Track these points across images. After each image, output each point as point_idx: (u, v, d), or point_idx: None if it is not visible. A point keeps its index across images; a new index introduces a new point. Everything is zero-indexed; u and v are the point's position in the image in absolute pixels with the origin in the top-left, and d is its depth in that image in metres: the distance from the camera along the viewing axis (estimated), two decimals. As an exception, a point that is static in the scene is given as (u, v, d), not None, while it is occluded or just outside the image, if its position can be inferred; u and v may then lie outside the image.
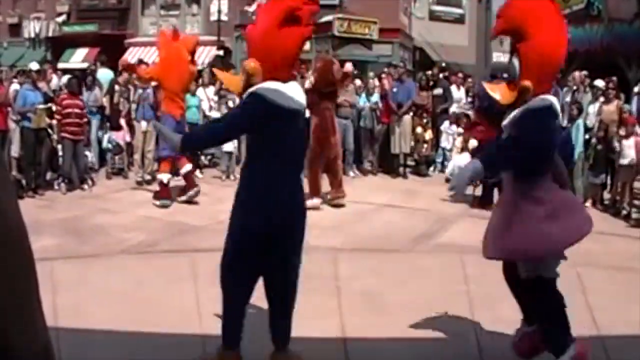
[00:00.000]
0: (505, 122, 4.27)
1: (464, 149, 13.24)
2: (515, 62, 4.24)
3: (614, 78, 11.89)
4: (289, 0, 4.06)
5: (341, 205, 10.42)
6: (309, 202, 10.16)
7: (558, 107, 4.28)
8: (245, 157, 4.43)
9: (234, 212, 4.18)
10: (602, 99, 11.59)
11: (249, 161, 4.27)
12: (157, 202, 10.11)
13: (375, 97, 14.12)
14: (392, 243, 8.26)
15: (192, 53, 10.53)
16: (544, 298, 4.34)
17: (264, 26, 4.09)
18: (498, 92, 4.34)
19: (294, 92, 4.13)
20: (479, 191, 10.94)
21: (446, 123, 14.22)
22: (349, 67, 11.22)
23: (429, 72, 15.81)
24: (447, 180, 12.53)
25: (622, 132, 10.29)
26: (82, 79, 12.98)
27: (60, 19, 32.00)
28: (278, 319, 4.36)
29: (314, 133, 10.36)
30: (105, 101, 13.36)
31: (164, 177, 10.20)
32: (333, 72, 10.37)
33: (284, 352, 4.37)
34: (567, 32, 4.27)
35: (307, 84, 10.29)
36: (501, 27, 4.37)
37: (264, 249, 4.12)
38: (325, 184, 10.56)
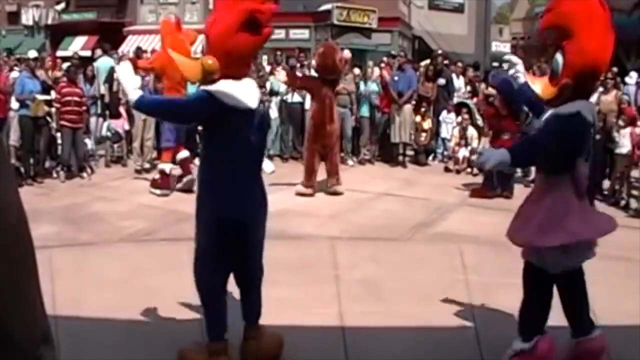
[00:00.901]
0: (542, 118, 4.29)
1: (462, 138, 13.24)
2: (559, 58, 4.20)
3: (614, 69, 11.86)
4: (248, 1, 4.07)
5: (339, 193, 10.44)
6: (300, 189, 10.26)
7: (590, 113, 4.23)
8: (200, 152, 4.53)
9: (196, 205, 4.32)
10: (600, 89, 11.57)
11: (202, 156, 4.47)
12: (157, 192, 10.12)
13: (374, 85, 14.08)
14: (391, 232, 8.27)
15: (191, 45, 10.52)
16: (533, 289, 4.38)
17: (222, 27, 4.11)
18: (539, 86, 4.34)
19: (247, 91, 4.19)
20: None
21: (444, 112, 14.18)
22: (347, 53, 11.21)
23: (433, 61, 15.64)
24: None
25: (620, 122, 10.29)
26: (79, 67, 12.96)
27: (59, 7, 31.91)
28: (248, 296, 4.45)
29: (312, 119, 10.42)
30: (104, 89, 13.34)
31: (166, 167, 10.19)
32: (335, 59, 10.36)
33: (255, 326, 4.44)
34: (613, 39, 4.24)
35: (312, 70, 10.37)
36: (550, 21, 4.33)
37: (223, 243, 4.19)
38: (323, 173, 10.58)
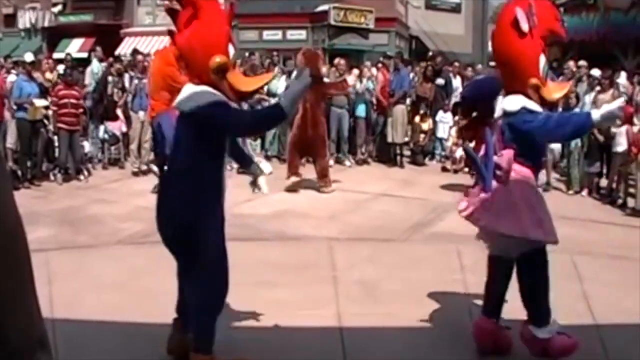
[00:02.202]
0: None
1: (459, 137, 13.24)
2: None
3: (611, 71, 11.92)
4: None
5: (329, 192, 10.56)
6: (286, 183, 10.36)
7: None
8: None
9: None
10: (597, 88, 11.59)
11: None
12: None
13: (369, 83, 14.07)
14: (389, 232, 8.27)
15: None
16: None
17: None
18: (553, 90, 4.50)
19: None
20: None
21: (440, 112, 14.18)
22: (340, 61, 11.31)
23: (431, 62, 15.62)
24: None
25: (617, 120, 10.28)
26: (74, 68, 13.01)
27: (55, 9, 31.86)
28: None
29: (295, 125, 10.54)
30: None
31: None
32: (316, 64, 10.44)
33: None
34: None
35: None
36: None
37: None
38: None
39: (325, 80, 11.80)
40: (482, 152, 4.38)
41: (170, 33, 4.24)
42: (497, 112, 4.44)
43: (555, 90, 4.63)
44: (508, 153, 4.25)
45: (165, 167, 4.83)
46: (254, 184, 4.68)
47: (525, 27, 4.24)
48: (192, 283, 4.19)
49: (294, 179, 10.50)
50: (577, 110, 11.06)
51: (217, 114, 3.94)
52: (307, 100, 10.39)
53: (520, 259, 4.44)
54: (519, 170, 4.32)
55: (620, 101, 4.14)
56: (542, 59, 4.43)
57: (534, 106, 4.29)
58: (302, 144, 10.55)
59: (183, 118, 4.13)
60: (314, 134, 10.53)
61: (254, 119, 4.38)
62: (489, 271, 4.65)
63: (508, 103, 4.38)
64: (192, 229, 4.04)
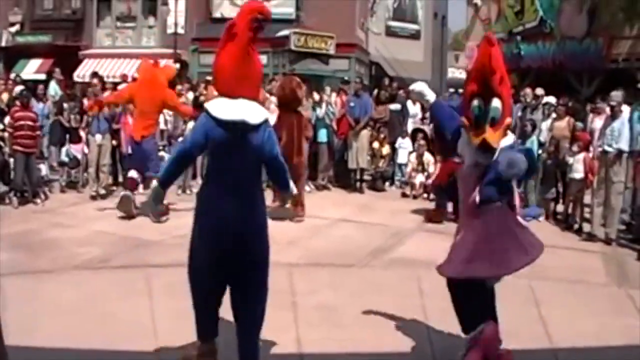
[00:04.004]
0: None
1: (419, 164, 13.36)
2: (498, 104, 4.44)
3: (567, 99, 12.12)
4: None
5: (300, 221, 10.46)
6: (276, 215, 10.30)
7: None
8: None
9: None
10: (553, 115, 11.80)
11: None
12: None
13: (331, 109, 14.13)
14: (348, 258, 8.27)
15: (169, 81, 10.82)
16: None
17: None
18: (485, 138, 4.45)
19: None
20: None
21: (399, 138, 14.31)
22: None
23: (388, 88, 15.76)
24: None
25: (575, 148, 10.47)
26: (34, 91, 12.91)
27: (13, 29, 31.46)
28: (242, 338, 4.46)
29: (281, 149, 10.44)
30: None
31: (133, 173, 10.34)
32: (293, 88, 10.50)
33: None
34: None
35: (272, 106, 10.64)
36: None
37: (215, 263, 4.30)
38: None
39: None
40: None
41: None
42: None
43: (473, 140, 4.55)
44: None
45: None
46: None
47: (467, 67, 4.38)
48: (257, 301, 4.54)
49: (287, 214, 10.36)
50: (534, 137, 11.27)
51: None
52: (291, 127, 10.40)
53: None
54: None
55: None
56: (474, 102, 4.44)
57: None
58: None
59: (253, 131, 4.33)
60: (297, 161, 10.47)
61: None
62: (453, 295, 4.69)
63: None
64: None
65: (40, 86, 13.95)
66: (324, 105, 14.04)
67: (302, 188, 10.88)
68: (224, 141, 4.24)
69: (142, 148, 10.20)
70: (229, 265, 4.31)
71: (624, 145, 9.54)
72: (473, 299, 4.54)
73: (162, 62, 11.27)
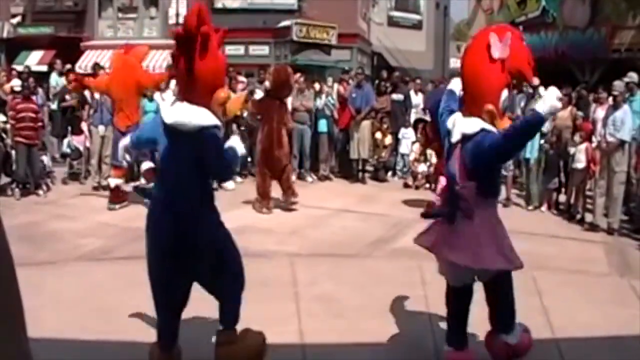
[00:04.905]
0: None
1: (421, 154, 13.35)
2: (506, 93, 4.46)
3: (576, 89, 12.08)
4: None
5: (294, 209, 10.49)
6: (256, 210, 10.30)
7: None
8: None
9: None
10: (556, 104, 11.76)
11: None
12: (116, 206, 10.25)
13: (329, 98, 14.11)
14: (350, 248, 8.28)
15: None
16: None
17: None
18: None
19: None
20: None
21: (402, 129, 14.29)
22: (299, 78, 11.37)
23: (389, 79, 15.72)
24: None
25: (577, 138, 10.46)
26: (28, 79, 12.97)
27: (15, 20, 31.44)
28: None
29: (260, 144, 10.47)
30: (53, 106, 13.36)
31: (112, 181, 10.45)
32: (288, 75, 10.55)
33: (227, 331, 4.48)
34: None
35: (261, 91, 10.65)
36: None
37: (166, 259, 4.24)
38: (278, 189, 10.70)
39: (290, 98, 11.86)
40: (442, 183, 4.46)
41: (173, 57, 4.41)
42: (456, 136, 4.40)
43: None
44: (470, 186, 4.28)
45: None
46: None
47: (496, 54, 4.25)
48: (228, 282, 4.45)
49: (266, 211, 10.31)
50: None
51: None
52: (273, 119, 10.39)
53: (486, 282, 4.49)
54: (481, 200, 4.34)
55: (554, 90, 4.21)
56: (504, 93, 4.46)
57: (492, 128, 4.29)
58: (269, 163, 10.44)
59: (183, 137, 4.16)
60: (279, 154, 10.47)
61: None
62: (448, 299, 4.70)
63: (466, 126, 4.34)
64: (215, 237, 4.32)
65: (31, 79, 13.89)
66: (323, 95, 14.02)
67: (289, 177, 10.92)
68: (165, 146, 4.27)
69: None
70: (183, 277, 4.29)
71: (626, 135, 9.52)
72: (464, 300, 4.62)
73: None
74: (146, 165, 10.27)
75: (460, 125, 4.37)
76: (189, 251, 4.16)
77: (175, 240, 4.15)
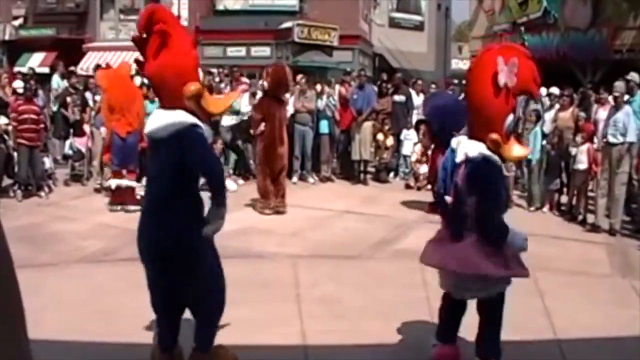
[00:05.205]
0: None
1: (423, 155, 13.34)
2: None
3: (580, 90, 12.05)
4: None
5: (282, 212, 10.41)
6: (258, 210, 10.28)
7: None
8: None
9: None
10: (557, 106, 11.77)
11: None
12: (117, 207, 10.23)
13: (330, 99, 14.08)
14: (352, 249, 8.28)
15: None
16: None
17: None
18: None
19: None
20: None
21: (405, 130, 14.28)
22: (301, 80, 11.34)
23: (390, 81, 15.71)
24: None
25: (578, 138, 10.45)
26: (29, 81, 12.98)
27: (16, 22, 31.48)
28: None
29: (262, 142, 10.44)
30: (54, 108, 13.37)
31: (112, 182, 10.43)
32: (286, 74, 10.55)
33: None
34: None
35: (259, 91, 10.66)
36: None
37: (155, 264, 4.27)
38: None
39: (287, 96, 11.83)
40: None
41: (137, 62, 4.25)
42: (460, 156, 4.38)
43: (515, 151, 4.60)
44: (475, 203, 4.29)
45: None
46: None
47: (502, 82, 4.20)
48: (204, 298, 4.32)
49: (269, 211, 10.30)
50: (537, 128, 11.23)
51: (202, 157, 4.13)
52: (275, 117, 10.38)
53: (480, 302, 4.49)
54: None
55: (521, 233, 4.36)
56: (509, 118, 4.41)
57: (493, 156, 4.31)
58: (270, 161, 10.42)
59: (162, 143, 4.11)
60: (281, 151, 10.48)
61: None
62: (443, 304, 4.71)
63: (470, 149, 4.34)
64: (193, 245, 4.13)
65: (32, 81, 13.91)
66: (324, 97, 14.00)
67: (285, 178, 10.87)
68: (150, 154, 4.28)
69: (127, 143, 10.32)
70: (171, 283, 4.27)
71: (632, 137, 9.52)
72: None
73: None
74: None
75: (464, 146, 4.38)
76: (167, 259, 4.13)
77: (155, 246, 4.16)
